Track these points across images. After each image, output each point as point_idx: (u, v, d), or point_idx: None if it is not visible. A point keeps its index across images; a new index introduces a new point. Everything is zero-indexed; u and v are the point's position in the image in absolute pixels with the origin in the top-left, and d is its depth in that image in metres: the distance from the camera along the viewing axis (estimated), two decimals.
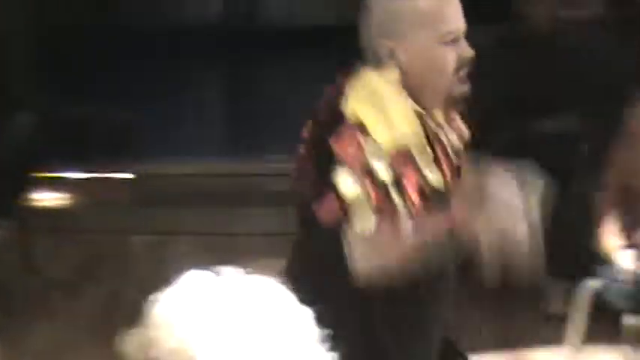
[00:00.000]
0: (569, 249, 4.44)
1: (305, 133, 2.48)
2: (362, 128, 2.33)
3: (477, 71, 5.00)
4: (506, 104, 5.00)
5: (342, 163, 2.31)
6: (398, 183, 2.34)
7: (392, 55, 2.46)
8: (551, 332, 4.63)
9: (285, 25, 10.62)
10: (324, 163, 2.34)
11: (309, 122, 2.47)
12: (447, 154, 2.51)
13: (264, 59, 10.08)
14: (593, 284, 4.14)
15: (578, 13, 5.36)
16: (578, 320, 4.17)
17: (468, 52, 2.54)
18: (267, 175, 6.67)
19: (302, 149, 2.48)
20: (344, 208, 2.32)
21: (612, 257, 3.97)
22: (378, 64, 2.48)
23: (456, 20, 2.54)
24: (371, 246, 2.30)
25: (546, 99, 5.01)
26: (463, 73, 2.54)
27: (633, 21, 5.53)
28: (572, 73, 5.03)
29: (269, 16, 11.05)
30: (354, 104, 2.36)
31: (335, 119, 2.35)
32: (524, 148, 4.58)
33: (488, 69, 4.78)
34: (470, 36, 5.04)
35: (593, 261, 3.93)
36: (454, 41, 2.52)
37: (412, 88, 2.47)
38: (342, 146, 2.31)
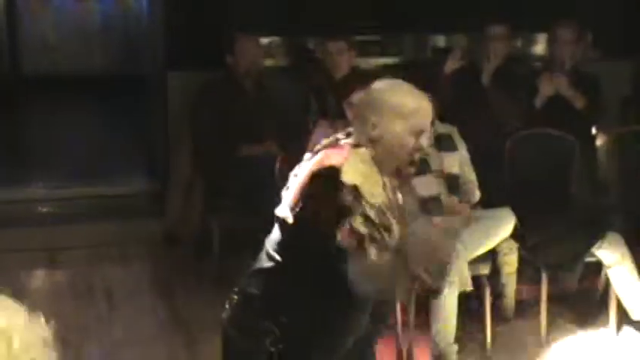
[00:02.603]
0: None
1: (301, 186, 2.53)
2: (357, 191, 2.44)
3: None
4: (224, 132, 5.11)
5: (351, 211, 2.42)
6: (383, 226, 2.48)
7: (373, 127, 2.53)
8: None
9: None
10: (329, 211, 2.43)
11: (306, 179, 2.52)
12: (398, 211, 2.61)
13: None
14: None
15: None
16: None
17: (427, 143, 2.62)
18: None
19: (297, 196, 2.53)
20: (356, 237, 2.42)
21: None
22: (361, 133, 2.57)
23: (426, 119, 2.58)
24: (369, 272, 2.44)
25: (253, 128, 5.14)
26: (417, 158, 2.61)
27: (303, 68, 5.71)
28: (271, 108, 5.24)
29: None
30: (350, 175, 2.45)
31: (335, 183, 2.44)
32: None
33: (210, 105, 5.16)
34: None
35: None
36: (419, 134, 2.56)
37: (376, 157, 2.56)
38: (350, 201, 2.42)
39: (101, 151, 7.11)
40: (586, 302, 4.89)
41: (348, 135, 2.64)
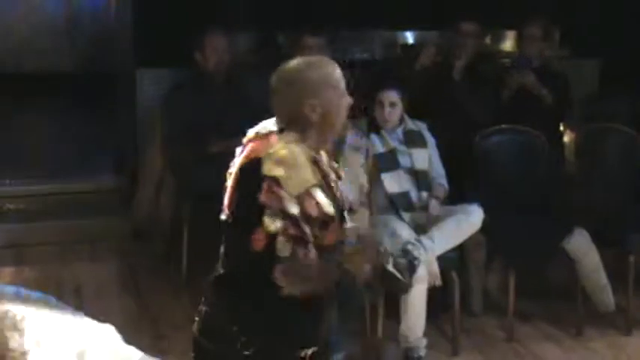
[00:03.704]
0: None
1: (233, 183, 2.49)
2: (277, 182, 2.36)
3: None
4: (194, 129, 5.04)
5: (266, 207, 2.36)
6: (305, 216, 2.39)
7: (314, 109, 2.49)
8: None
9: None
10: (254, 208, 2.38)
11: (236, 176, 2.49)
12: (332, 186, 2.57)
13: None
14: None
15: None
16: None
17: (350, 102, 2.61)
18: None
19: (232, 194, 2.49)
20: (268, 239, 2.35)
21: None
22: (294, 122, 2.50)
23: (340, 74, 2.59)
24: (289, 271, 2.37)
25: (223, 125, 5.00)
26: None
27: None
28: (241, 105, 5.13)
29: None
30: (269, 166, 2.39)
31: (257, 178, 2.39)
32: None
33: (179, 102, 5.11)
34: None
35: None
36: (345, 95, 2.58)
37: (320, 135, 2.53)
38: (265, 196, 2.36)
39: (70, 147, 7.07)
40: (553, 297, 4.95)
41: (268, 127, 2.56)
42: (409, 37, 6.38)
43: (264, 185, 2.35)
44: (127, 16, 6.04)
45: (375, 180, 4.45)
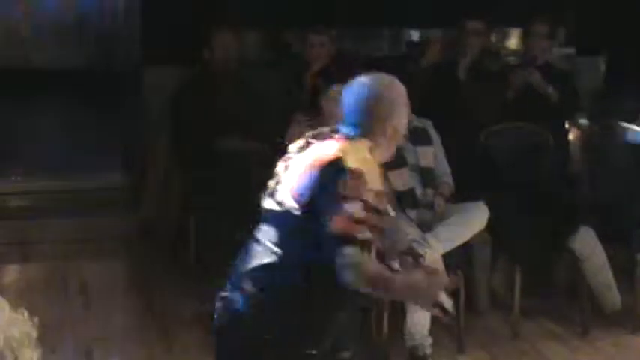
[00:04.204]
0: None
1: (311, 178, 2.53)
2: (363, 178, 2.45)
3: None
4: (202, 126, 5.06)
5: (349, 198, 2.42)
6: (377, 210, 2.48)
7: (394, 128, 2.64)
8: None
9: None
10: (333, 197, 2.45)
11: (312, 169, 2.54)
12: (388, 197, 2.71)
13: None
14: None
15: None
16: None
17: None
18: None
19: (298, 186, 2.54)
20: (350, 225, 2.40)
21: None
22: (367, 133, 2.62)
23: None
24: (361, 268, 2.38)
25: (231, 122, 5.07)
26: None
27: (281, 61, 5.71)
28: (249, 102, 5.19)
29: None
30: (354, 163, 2.48)
31: (339, 171, 2.48)
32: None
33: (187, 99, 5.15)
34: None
35: None
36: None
37: (387, 149, 2.68)
38: (351, 187, 2.43)
39: (77, 145, 7.07)
40: (559, 295, 4.94)
41: (332, 130, 2.65)
42: (414, 34, 6.37)
43: (349, 175, 2.44)
44: (134, 13, 6.04)
45: None
